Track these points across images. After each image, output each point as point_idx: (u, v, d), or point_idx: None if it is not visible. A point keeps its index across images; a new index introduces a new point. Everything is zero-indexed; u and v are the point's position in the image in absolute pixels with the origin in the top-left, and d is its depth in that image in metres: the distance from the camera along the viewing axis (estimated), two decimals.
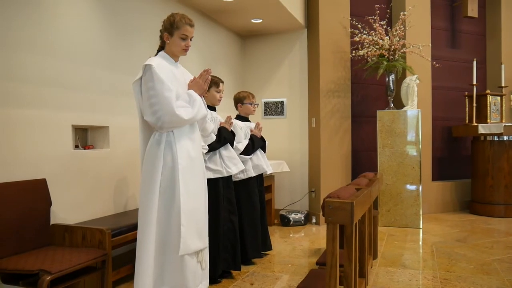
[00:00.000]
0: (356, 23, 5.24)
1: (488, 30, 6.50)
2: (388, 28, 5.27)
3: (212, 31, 5.14)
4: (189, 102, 2.40)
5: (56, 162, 2.92)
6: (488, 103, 5.83)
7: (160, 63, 2.38)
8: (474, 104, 5.83)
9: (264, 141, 3.91)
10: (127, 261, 3.08)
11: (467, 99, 5.94)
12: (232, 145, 3.38)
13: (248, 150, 3.63)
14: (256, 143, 3.73)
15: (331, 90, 5.36)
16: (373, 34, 5.13)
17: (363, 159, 5.68)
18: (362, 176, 3.45)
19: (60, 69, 2.97)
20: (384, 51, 5.09)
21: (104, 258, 2.52)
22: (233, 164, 3.30)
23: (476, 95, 5.84)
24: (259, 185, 3.86)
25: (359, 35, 5.15)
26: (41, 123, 2.82)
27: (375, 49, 5.10)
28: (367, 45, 5.14)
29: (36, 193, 2.62)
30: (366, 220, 2.93)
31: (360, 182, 3.00)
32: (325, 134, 5.33)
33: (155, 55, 2.53)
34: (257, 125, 3.86)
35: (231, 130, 3.39)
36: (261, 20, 5.26)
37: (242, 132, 3.68)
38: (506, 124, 5.53)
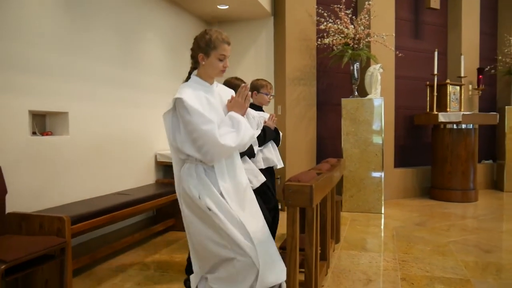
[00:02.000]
0: (322, 12, 5.27)
1: (450, 21, 6.69)
2: (353, 17, 5.33)
3: (177, 17, 5.05)
4: (233, 126, 2.20)
5: (12, 149, 2.82)
6: (448, 93, 6.04)
7: (193, 92, 2.15)
8: (435, 93, 6.02)
9: (278, 134, 3.62)
10: (88, 250, 3.03)
11: (428, 89, 6.12)
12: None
13: (259, 142, 3.35)
14: (268, 135, 3.46)
15: (297, 78, 5.39)
16: (339, 22, 5.18)
17: (328, 146, 5.77)
18: (325, 162, 3.50)
19: (16, 53, 2.85)
20: (349, 39, 5.15)
21: (63, 245, 2.46)
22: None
23: (437, 85, 6.03)
24: (270, 179, 3.52)
25: (325, 23, 5.19)
26: None
27: (340, 37, 5.15)
28: (332, 34, 5.19)
29: None
30: (328, 205, 2.99)
31: (322, 167, 3.06)
32: (291, 121, 5.38)
33: (187, 78, 2.28)
34: (271, 116, 3.54)
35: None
36: (227, 7, 5.20)
37: (255, 121, 3.37)
38: (465, 113, 5.75)
